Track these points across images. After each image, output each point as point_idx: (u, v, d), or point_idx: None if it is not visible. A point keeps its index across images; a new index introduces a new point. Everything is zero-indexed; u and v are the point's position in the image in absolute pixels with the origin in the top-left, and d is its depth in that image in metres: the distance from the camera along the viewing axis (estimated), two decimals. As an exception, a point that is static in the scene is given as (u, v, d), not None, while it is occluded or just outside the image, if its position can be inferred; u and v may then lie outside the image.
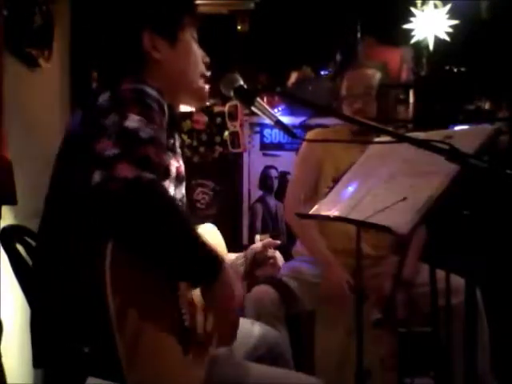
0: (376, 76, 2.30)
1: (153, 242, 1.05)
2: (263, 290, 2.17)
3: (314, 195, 2.29)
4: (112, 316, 1.01)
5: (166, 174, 1.27)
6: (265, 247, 1.60)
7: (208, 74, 1.44)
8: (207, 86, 1.44)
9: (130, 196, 1.02)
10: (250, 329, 1.60)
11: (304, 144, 2.45)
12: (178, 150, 1.48)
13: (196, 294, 1.25)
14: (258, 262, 1.60)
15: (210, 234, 1.47)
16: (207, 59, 1.45)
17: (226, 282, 1.15)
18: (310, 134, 2.46)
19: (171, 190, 1.34)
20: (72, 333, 1.11)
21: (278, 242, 1.64)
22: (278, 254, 1.63)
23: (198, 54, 1.43)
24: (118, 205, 1.01)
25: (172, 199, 1.12)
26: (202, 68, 1.43)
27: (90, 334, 1.09)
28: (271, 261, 1.60)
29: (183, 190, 1.48)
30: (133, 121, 1.09)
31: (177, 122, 1.43)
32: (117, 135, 1.08)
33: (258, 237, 1.67)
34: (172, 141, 1.38)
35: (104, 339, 1.02)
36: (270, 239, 1.64)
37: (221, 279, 1.14)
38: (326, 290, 2.18)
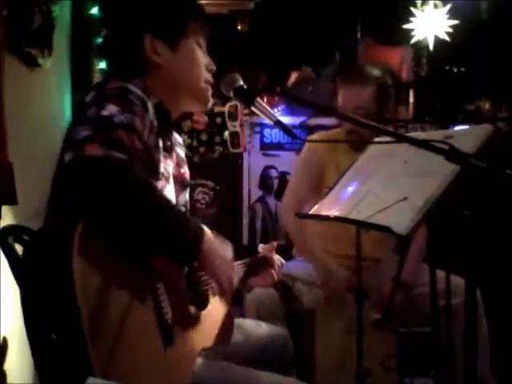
0: (370, 93, 2.22)
1: (124, 219, 1.05)
2: (263, 290, 2.18)
3: (313, 202, 2.29)
4: (83, 314, 0.98)
5: (154, 172, 1.27)
6: (265, 255, 1.61)
7: (212, 80, 1.44)
8: (210, 91, 1.44)
9: (98, 173, 1.03)
10: (257, 330, 1.60)
11: (305, 151, 2.43)
12: (183, 157, 1.49)
13: (183, 287, 1.25)
14: (257, 269, 1.61)
15: None
16: (213, 67, 1.45)
17: (211, 251, 1.18)
18: (311, 139, 2.47)
19: (167, 190, 1.34)
20: (46, 328, 1.09)
21: (274, 243, 1.64)
22: (276, 257, 1.63)
23: (201, 61, 1.42)
24: (87, 182, 1.03)
25: (143, 178, 1.11)
26: (206, 75, 1.42)
27: (58, 326, 1.06)
28: (267, 269, 1.61)
29: (187, 196, 1.49)
30: (109, 109, 1.12)
31: (172, 123, 1.43)
32: (91, 121, 1.11)
33: (260, 245, 1.68)
34: (168, 142, 1.38)
35: (72, 332, 0.99)
36: (270, 245, 1.65)
37: (204, 250, 1.16)
38: (326, 293, 2.18)
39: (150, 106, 1.23)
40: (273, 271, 1.62)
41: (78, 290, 0.98)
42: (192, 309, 1.28)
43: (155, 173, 1.27)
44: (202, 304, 1.32)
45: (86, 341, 0.97)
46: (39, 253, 1.10)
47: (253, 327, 1.57)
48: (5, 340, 1.84)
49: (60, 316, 1.03)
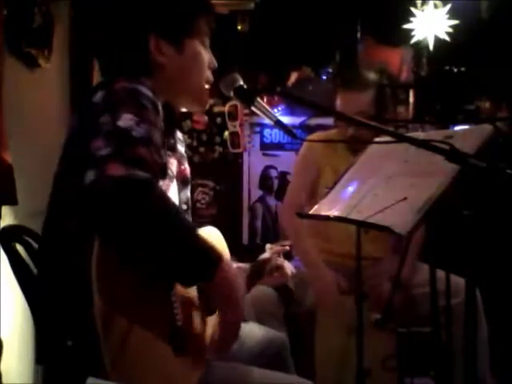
0: (369, 97, 2.22)
1: (144, 240, 1.04)
2: (262, 290, 2.18)
3: (313, 202, 2.29)
4: (96, 314, 0.99)
5: (162, 172, 1.27)
6: (272, 256, 1.60)
7: (212, 78, 1.43)
8: (207, 93, 1.43)
9: (122, 194, 1.01)
10: (256, 333, 1.60)
11: (303, 150, 2.44)
12: (183, 153, 1.48)
13: (193, 293, 1.25)
14: (265, 270, 1.60)
15: (213, 237, 1.46)
16: (215, 64, 1.44)
17: (226, 279, 1.14)
18: (309, 139, 2.47)
19: (171, 189, 1.34)
20: (60, 330, 1.10)
21: (287, 247, 1.64)
22: (286, 264, 1.63)
23: (205, 61, 1.40)
24: (109, 203, 1.01)
25: (167, 198, 1.10)
26: (207, 74, 1.41)
27: (74, 330, 1.07)
28: (279, 270, 1.60)
29: (188, 193, 1.48)
30: (125, 120, 1.09)
31: (176, 121, 1.43)
32: (109, 135, 1.08)
33: (268, 245, 1.68)
34: (172, 141, 1.38)
35: (88, 337, 1.00)
36: (278, 247, 1.64)
37: (219, 277, 1.12)
38: (317, 296, 2.18)
39: (160, 106, 1.22)
40: (285, 272, 1.61)
41: (95, 299, 0.99)
42: (202, 313, 1.28)
43: (163, 172, 1.27)
44: (211, 309, 1.32)
45: (100, 344, 0.98)
46: (55, 269, 1.12)
47: (248, 332, 1.56)
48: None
49: (75, 322, 1.04)
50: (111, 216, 1.01)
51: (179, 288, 1.18)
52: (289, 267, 1.65)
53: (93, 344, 0.99)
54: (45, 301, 1.15)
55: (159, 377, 1.08)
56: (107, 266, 1.02)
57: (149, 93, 1.18)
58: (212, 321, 1.31)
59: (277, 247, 1.65)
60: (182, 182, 1.43)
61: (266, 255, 1.61)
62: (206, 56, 1.41)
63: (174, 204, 1.13)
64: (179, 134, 1.49)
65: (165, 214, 1.06)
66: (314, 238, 2.31)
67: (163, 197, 1.08)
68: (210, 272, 1.12)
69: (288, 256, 1.71)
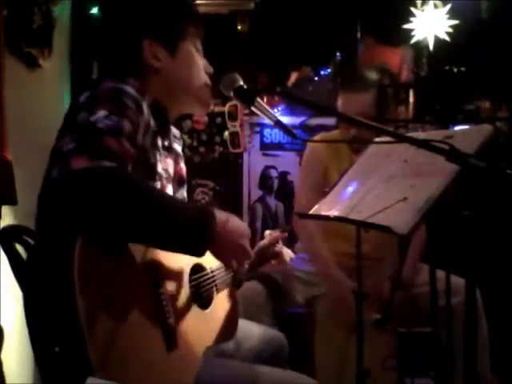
0: (370, 98, 2.20)
1: (124, 223, 1.03)
2: (250, 286, 2.17)
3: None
4: (81, 315, 0.97)
5: (152, 173, 1.26)
6: (271, 242, 1.61)
7: (209, 82, 1.44)
8: (210, 95, 1.44)
9: (86, 185, 1.00)
10: (254, 333, 1.60)
11: (307, 153, 2.44)
12: (180, 152, 1.48)
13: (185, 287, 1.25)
14: (265, 257, 1.61)
15: None
16: (211, 69, 1.45)
17: (224, 239, 1.15)
18: (312, 140, 2.48)
19: (167, 191, 1.34)
20: (46, 332, 1.09)
21: (285, 234, 1.64)
22: (285, 250, 1.63)
23: (200, 64, 1.42)
24: (77, 197, 1.00)
25: (137, 181, 1.08)
26: (204, 78, 1.42)
27: (60, 333, 1.05)
28: (278, 258, 1.61)
29: (184, 193, 1.48)
30: (96, 115, 1.09)
31: (169, 123, 1.42)
32: (77, 130, 1.08)
33: (267, 232, 1.67)
34: (167, 141, 1.38)
35: (73, 338, 0.99)
36: (277, 233, 1.65)
37: (216, 236, 1.12)
38: (335, 306, 2.17)
39: (144, 106, 1.21)
40: (284, 259, 1.62)
41: (78, 297, 0.98)
42: (195, 309, 1.28)
43: (151, 174, 1.26)
44: (206, 304, 1.32)
45: (85, 344, 0.97)
46: (40, 270, 1.09)
47: (246, 332, 1.56)
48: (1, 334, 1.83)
49: (60, 320, 1.03)
50: (79, 208, 1.00)
51: (169, 284, 1.18)
52: (287, 254, 1.64)
53: (79, 346, 0.97)
54: (33, 300, 1.14)
55: (151, 376, 1.07)
56: (90, 268, 1.01)
57: (133, 92, 1.18)
58: (206, 315, 1.31)
59: (276, 233, 1.65)
60: (178, 181, 1.43)
61: (264, 242, 1.61)
62: (201, 60, 1.42)
63: (148, 185, 1.11)
64: (175, 132, 1.48)
65: (134, 192, 1.04)
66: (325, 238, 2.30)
67: (133, 180, 1.06)
68: (202, 244, 1.11)
69: (289, 241, 1.71)
